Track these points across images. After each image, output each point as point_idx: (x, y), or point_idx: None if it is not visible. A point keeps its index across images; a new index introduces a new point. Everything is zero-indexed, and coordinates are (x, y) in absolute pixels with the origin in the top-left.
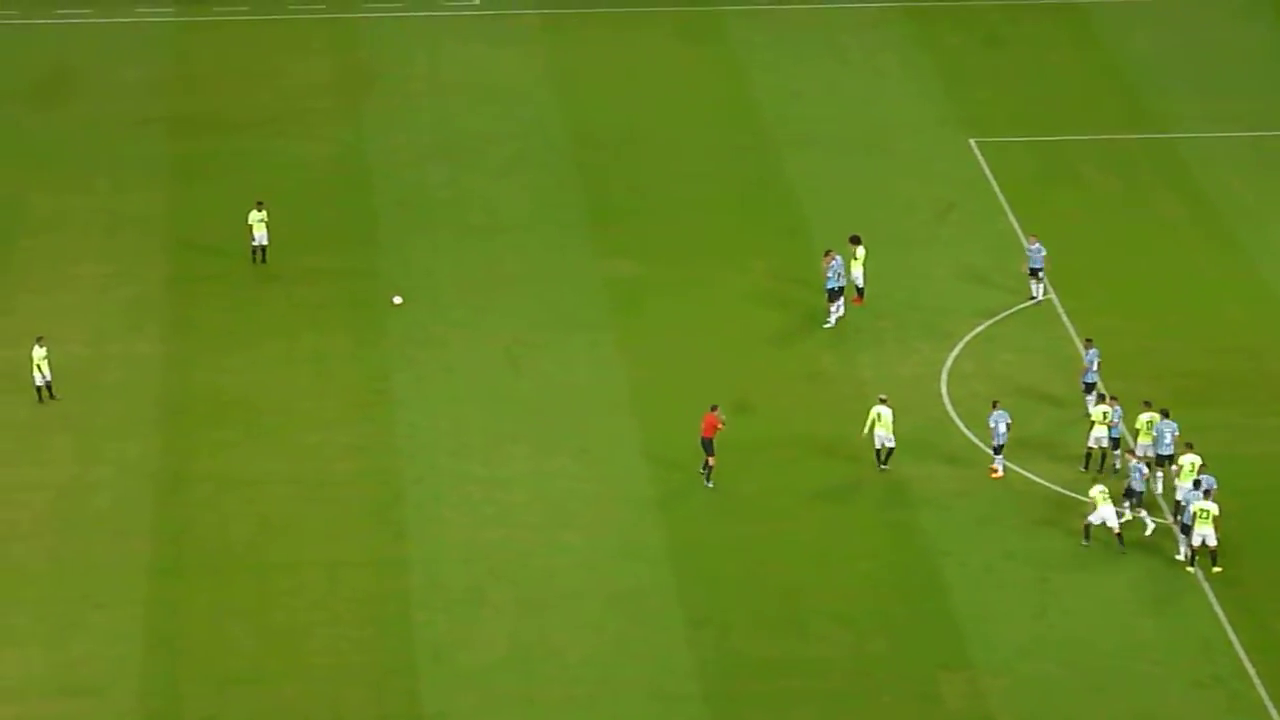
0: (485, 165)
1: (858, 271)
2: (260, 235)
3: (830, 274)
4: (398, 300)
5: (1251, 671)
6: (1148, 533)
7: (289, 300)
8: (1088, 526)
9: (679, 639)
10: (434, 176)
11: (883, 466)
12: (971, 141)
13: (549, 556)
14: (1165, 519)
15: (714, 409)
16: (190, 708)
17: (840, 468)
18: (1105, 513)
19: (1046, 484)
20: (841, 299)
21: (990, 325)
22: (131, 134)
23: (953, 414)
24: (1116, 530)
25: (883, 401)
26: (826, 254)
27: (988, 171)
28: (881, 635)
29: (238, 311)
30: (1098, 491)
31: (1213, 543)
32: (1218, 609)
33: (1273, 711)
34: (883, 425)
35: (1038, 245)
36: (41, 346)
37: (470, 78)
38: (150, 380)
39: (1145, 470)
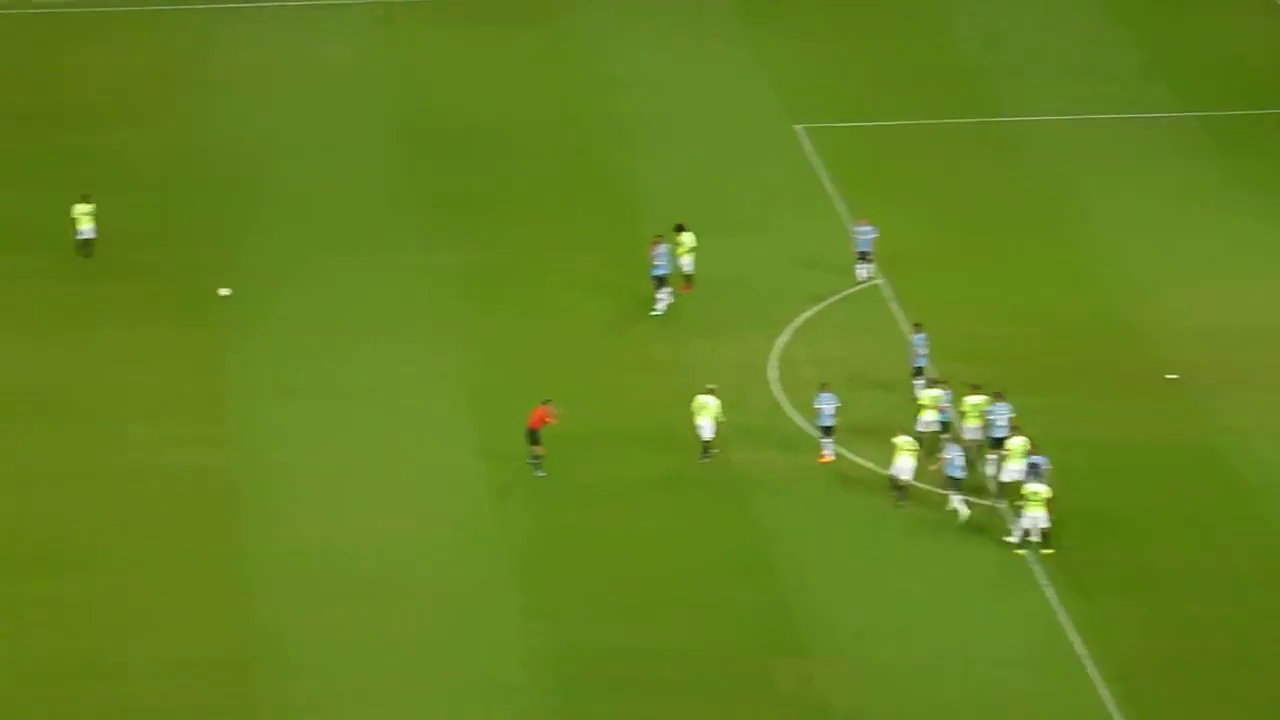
0: (314, 156)
1: (686, 259)
2: (87, 229)
3: (657, 261)
4: (224, 292)
5: (1082, 651)
6: (960, 521)
7: (116, 294)
8: (893, 480)
9: (514, 629)
10: (262, 168)
11: (703, 458)
12: (798, 128)
13: (383, 548)
14: (991, 501)
15: (547, 402)
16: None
17: (672, 456)
18: (904, 464)
19: (877, 469)
20: (669, 286)
21: (819, 310)
22: None
23: (783, 400)
24: (905, 482)
25: (710, 392)
26: (654, 241)
27: (814, 157)
28: (716, 623)
29: (63, 305)
30: (902, 440)
31: (1044, 524)
32: (1048, 590)
33: (1103, 691)
34: (706, 415)
35: (866, 228)
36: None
37: (298, 68)
38: None
39: (964, 457)
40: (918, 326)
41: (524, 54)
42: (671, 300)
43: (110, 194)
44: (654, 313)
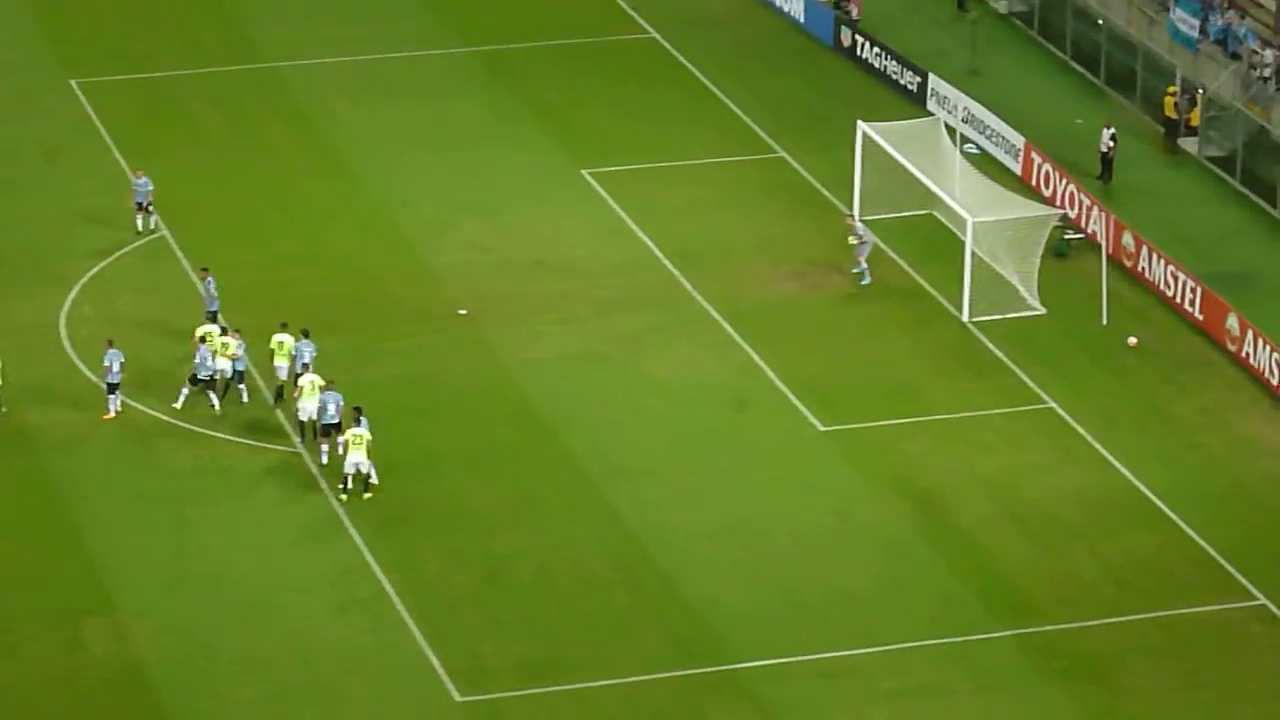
0: None
1: None
2: None
3: None
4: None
5: (391, 592)
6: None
7: None
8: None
9: None
10: None
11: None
12: (73, 82)
13: None
14: (296, 445)
15: None
16: None
17: None
18: (309, 407)
19: (170, 420)
20: None
21: (106, 265)
22: None
23: (75, 358)
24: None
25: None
26: None
27: (91, 111)
28: (19, 586)
29: None
30: (306, 381)
31: (366, 468)
32: (354, 534)
33: (413, 627)
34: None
35: (144, 179)
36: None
37: None
38: None
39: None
40: (204, 272)
41: None
42: None
43: None
44: None
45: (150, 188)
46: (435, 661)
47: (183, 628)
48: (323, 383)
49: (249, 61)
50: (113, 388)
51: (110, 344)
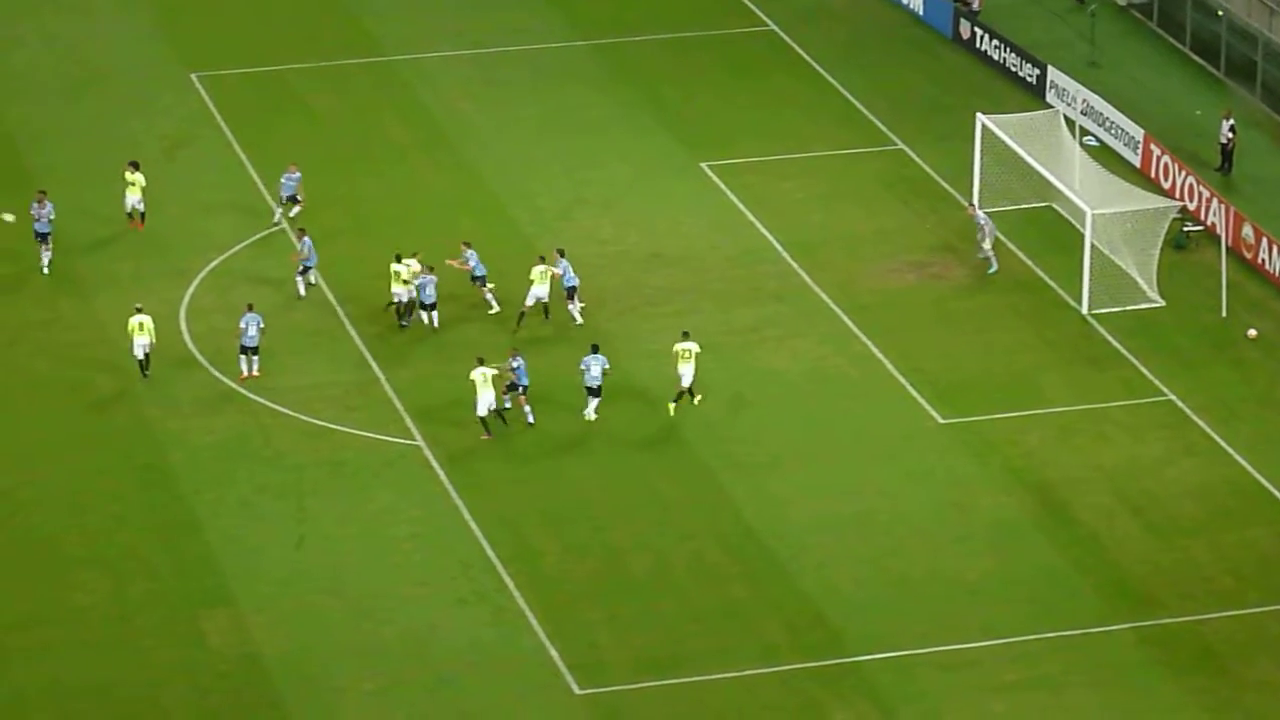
0: None
1: (135, 197)
2: None
3: (38, 217)
4: (8, 218)
5: (510, 585)
6: (530, 421)
7: None
8: (482, 420)
9: None
10: None
11: (146, 376)
12: (193, 76)
13: None
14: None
15: None
16: None
17: (91, 413)
18: (488, 399)
19: (291, 413)
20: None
21: (226, 258)
22: None
23: (194, 350)
24: (491, 410)
25: (140, 310)
26: (38, 196)
27: (212, 105)
28: (140, 578)
29: None
30: (478, 375)
31: (688, 381)
32: (474, 527)
33: (532, 620)
34: (145, 333)
35: (296, 174)
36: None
37: None
38: None
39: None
40: (301, 232)
41: None
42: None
43: None
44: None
45: (298, 179)
46: (554, 654)
47: (302, 620)
48: (494, 372)
49: (368, 54)
50: (247, 349)
51: (250, 308)
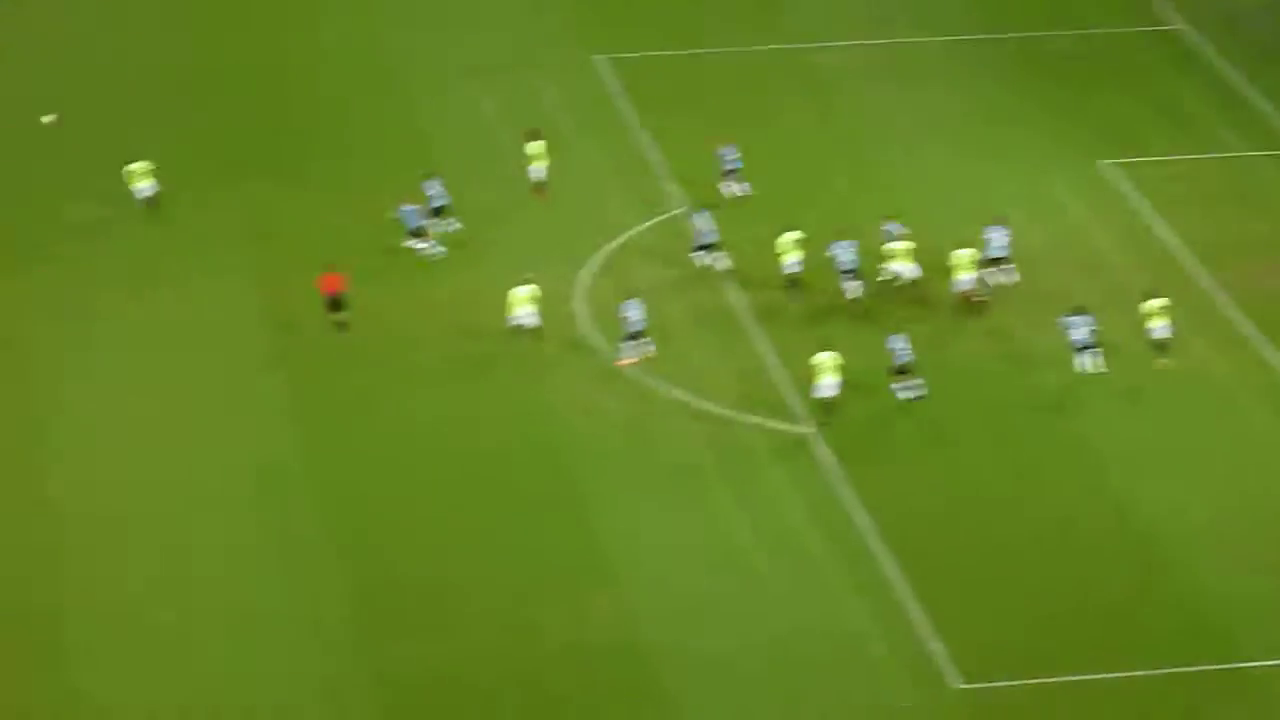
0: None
1: (540, 165)
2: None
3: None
4: (48, 119)
5: (893, 576)
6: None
7: None
8: (823, 402)
9: (333, 580)
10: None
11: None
12: (596, 58)
13: (190, 497)
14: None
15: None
16: None
17: (488, 391)
18: (828, 383)
19: (683, 398)
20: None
21: (624, 240)
22: None
23: (593, 333)
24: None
25: (527, 281)
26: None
27: (615, 87)
28: (531, 556)
29: None
30: (826, 357)
31: (1166, 334)
32: (862, 516)
33: (914, 612)
34: (526, 304)
35: (730, 149)
36: None
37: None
38: None
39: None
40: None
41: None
42: (457, 228)
43: None
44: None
45: (733, 156)
46: (935, 648)
47: (687, 607)
48: (842, 361)
49: (776, 41)
50: (631, 336)
51: (632, 295)
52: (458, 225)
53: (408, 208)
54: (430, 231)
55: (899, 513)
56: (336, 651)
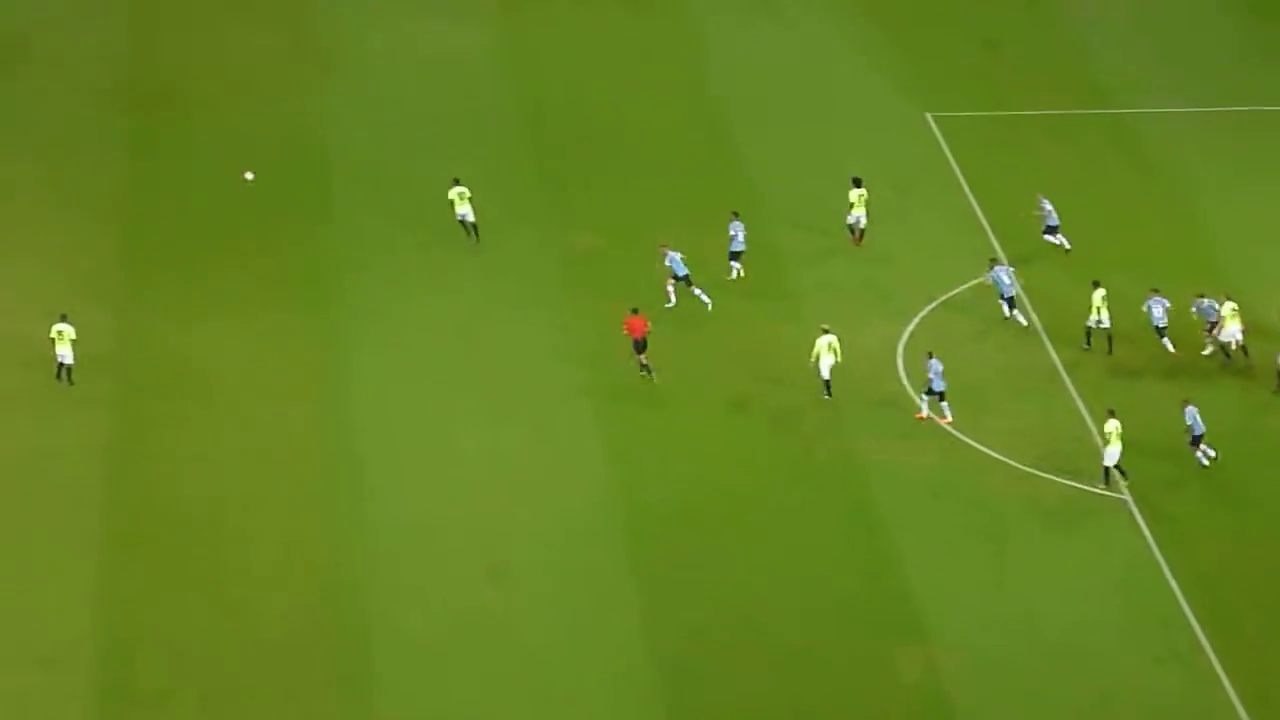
0: (439, 140)
1: (860, 213)
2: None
3: (733, 234)
4: (249, 176)
5: (1207, 646)
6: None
7: (244, 274)
8: (1106, 470)
9: (635, 619)
10: (389, 151)
11: (826, 396)
12: (928, 115)
13: (503, 531)
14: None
15: (636, 311)
16: (145, 680)
17: (795, 443)
18: (1113, 452)
19: (1000, 456)
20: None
21: (947, 298)
22: (85, 104)
23: (908, 389)
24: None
25: (826, 331)
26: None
27: (944, 146)
28: (836, 608)
29: (192, 284)
30: (1113, 427)
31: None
32: (1173, 584)
33: (1228, 686)
34: (826, 354)
35: (1048, 205)
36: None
37: (425, 53)
38: (106, 353)
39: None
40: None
41: (649, 37)
42: (740, 275)
43: (237, 173)
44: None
45: (1050, 209)
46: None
47: (994, 666)
48: (1120, 429)
49: (1099, 106)
50: (931, 393)
51: (930, 355)
52: (740, 271)
53: (673, 254)
54: (735, 272)
55: (1212, 581)
56: (649, 708)
